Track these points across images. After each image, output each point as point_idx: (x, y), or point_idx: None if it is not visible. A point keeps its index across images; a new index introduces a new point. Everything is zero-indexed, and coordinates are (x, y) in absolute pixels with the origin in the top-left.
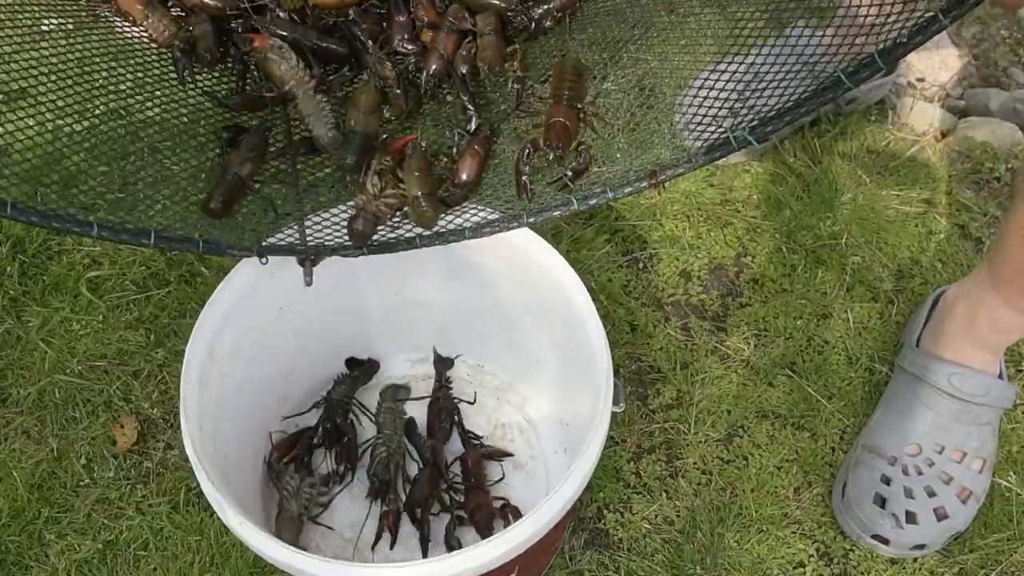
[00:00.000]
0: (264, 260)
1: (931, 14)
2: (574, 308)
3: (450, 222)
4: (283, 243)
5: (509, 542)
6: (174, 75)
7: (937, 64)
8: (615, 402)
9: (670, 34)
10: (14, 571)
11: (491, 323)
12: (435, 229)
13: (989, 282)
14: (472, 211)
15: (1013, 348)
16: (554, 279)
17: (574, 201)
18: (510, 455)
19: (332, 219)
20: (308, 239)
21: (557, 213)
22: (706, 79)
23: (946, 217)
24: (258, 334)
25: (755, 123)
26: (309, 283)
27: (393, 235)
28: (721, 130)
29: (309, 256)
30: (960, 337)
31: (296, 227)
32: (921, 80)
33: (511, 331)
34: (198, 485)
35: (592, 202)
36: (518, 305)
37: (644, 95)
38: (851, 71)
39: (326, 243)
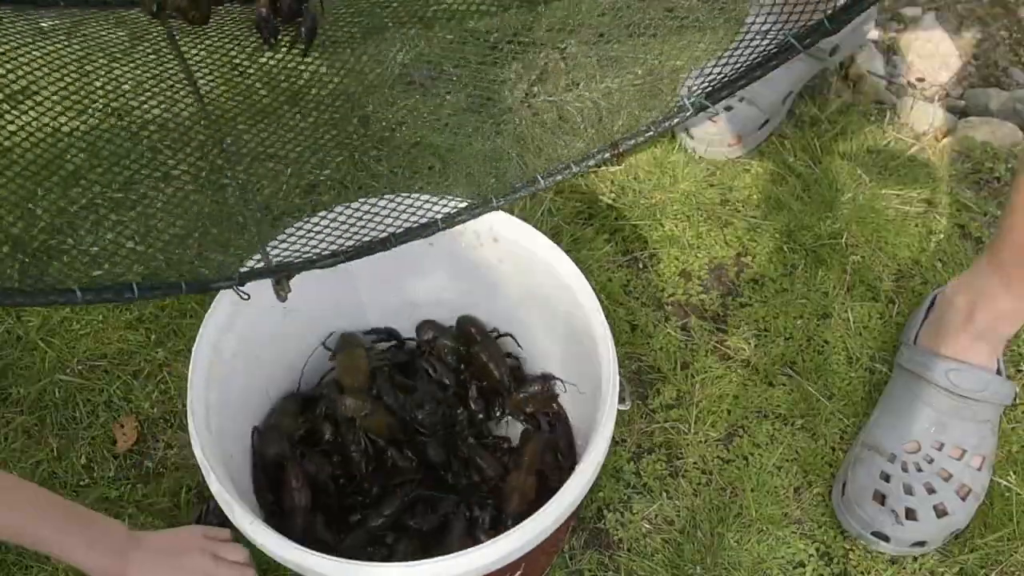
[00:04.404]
0: (246, 296)
1: None
2: (579, 307)
3: (421, 216)
4: (257, 267)
5: (515, 542)
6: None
7: (937, 64)
8: (620, 400)
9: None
10: (14, 571)
11: (496, 322)
12: (405, 226)
13: (990, 269)
14: (441, 204)
15: (1013, 348)
16: (559, 279)
17: (540, 179)
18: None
19: (297, 232)
20: (273, 258)
21: (523, 192)
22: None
23: (946, 217)
24: (263, 334)
25: (709, 88)
26: (283, 299)
27: (368, 238)
28: (679, 99)
29: (282, 275)
30: (959, 331)
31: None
32: (921, 80)
33: (516, 330)
34: (198, 484)
35: (558, 178)
36: (523, 304)
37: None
38: (801, 35)
39: (294, 261)
